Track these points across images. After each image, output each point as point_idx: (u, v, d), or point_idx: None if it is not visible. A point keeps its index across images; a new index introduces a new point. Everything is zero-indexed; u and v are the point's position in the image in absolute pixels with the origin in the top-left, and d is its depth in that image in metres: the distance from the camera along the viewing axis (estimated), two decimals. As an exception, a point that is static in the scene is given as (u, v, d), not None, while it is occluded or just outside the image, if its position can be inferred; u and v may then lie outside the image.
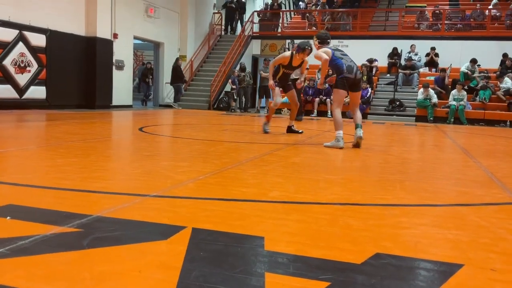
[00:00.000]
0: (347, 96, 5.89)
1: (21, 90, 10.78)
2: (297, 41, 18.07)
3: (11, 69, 10.48)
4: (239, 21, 19.41)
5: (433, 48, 16.05)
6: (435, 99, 13.67)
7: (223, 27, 19.61)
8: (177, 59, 16.12)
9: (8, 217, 2.03)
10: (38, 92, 11.26)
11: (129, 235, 1.88)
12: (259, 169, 3.69)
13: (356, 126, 5.68)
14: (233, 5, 18.97)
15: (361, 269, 1.61)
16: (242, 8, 19.46)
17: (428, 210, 2.62)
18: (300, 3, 21.98)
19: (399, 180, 3.48)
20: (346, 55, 5.78)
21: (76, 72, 12.52)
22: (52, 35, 11.51)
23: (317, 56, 5.66)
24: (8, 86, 10.44)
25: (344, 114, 14.01)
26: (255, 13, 19.59)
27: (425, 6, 19.12)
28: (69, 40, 12.15)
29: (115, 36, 13.66)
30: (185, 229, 1.96)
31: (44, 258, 1.59)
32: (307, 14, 19.89)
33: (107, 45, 13.25)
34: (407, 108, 14.51)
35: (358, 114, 5.83)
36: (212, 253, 1.69)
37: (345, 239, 1.95)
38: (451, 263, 1.70)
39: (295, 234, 2.00)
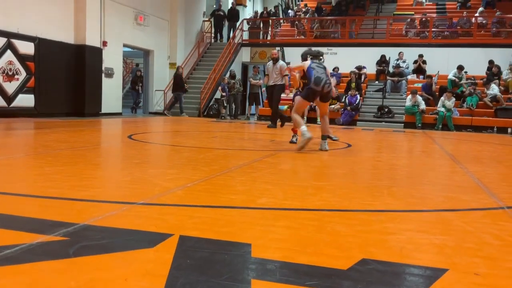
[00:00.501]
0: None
1: (9, 98, 10.70)
2: (286, 49, 18.28)
3: (-1, 77, 10.40)
4: (231, 29, 19.48)
5: (420, 55, 16.24)
6: (423, 105, 13.80)
7: (212, 34, 19.67)
8: (178, 68, 16.11)
9: (-6, 226, 2.02)
10: (26, 100, 11.18)
11: (116, 243, 1.88)
12: (248, 176, 3.70)
13: (322, 138, 5.81)
14: (221, 13, 19.04)
15: (347, 275, 1.62)
16: (235, 16, 19.53)
17: (415, 215, 2.64)
18: (289, 11, 22.15)
19: (387, 186, 3.50)
20: (321, 66, 5.80)
21: (65, 80, 12.46)
22: (40, 43, 11.46)
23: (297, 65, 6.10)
24: (-4, 95, 10.36)
25: (332, 121, 14.15)
26: (245, 21, 19.68)
27: (413, 14, 19.36)
28: (58, 48, 12.10)
29: (105, 44, 13.63)
30: (173, 236, 1.96)
31: (30, 267, 1.58)
32: (296, 22, 20.02)
33: (97, 52, 13.22)
34: (395, 115, 14.63)
35: (325, 125, 5.91)
36: (199, 261, 1.69)
37: (332, 245, 1.96)
38: (436, 268, 1.72)
39: (283, 241, 2.01)
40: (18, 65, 10.88)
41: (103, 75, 13.68)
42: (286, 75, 10.10)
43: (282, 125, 10.78)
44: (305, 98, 5.81)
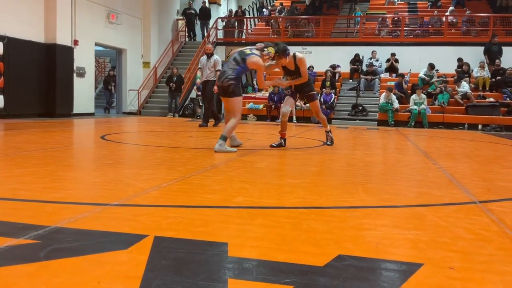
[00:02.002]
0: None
1: (-23, 99, 10.39)
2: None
3: (-34, 77, 10.09)
4: (203, 27, 19.37)
5: (393, 54, 16.47)
6: (396, 104, 14.01)
7: (186, 33, 19.53)
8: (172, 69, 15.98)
9: (-40, 231, 1.95)
10: (-5, 101, 10.88)
11: (88, 245, 1.83)
12: (224, 175, 3.68)
13: (220, 137, 5.31)
14: (192, 11, 18.91)
15: (324, 271, 1.62)
16: (206, 15, 19.43)
17: (389, 211, 2.67)
18: (264, 10, 22.16)
19: (362, 183, 3.53)
20: (233, 59, 5.44)
21: (35, 80, 12.17)
22: (10, 42, 11.16)
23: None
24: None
25: (309, 120, 14.24)
26: (219, 20, 19.60)
27: (385, 13, 19.64)
28: (28, 47, 11.81)
29: (76, 42, 13.37)
30: (147, 237, 1.93)
31: (-2, 271, 1.53)
32: (271, 21, 20.05)
33: (68, 52, 12.95)
34: (369, 113, 14.81)
35: (228, 124, 5.44)
36: (174, 261, 1.66)
37: (308, 242, 1.96)
38: (411, 263, 1.74)
39: (259, 239, 2.00)
40: (-14, 65, 10.58)
41: (74, 74, 13.42)
42: (219, 70, 9.68)
43: (215, 125, 10.37)
44: (217, 94, 5.53)
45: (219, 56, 19.10)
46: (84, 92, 13.92)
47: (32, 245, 1.80)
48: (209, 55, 10.03)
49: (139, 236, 1.94)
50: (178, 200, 2.75)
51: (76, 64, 13.45)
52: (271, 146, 6.04)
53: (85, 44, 13.83)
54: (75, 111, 13.35)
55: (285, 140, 6.12)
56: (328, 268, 1.65)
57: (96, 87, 17.98)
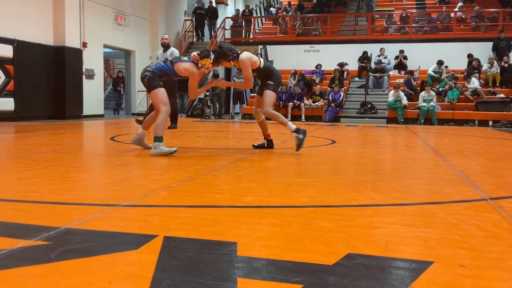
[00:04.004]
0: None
1: (-13, 103, 10.51)
2: (269, 47, 18.28)
3: (-23, 81, 10.21)
4: (211, 27, 19.41)
5: (401, 51, 16.38)
6: (405, 101, 13.92)
7: (194, 33, 19.57)
8: None
9: (-28, 233, 1.97)
10: (6, 104, 10.99)
11: (98, 246, 1.85)
12: (232, 175, 3.68)
13: (154, 139, 4.84)
14: (203, 11, 18.95)
15: (333, 270, 1.62)
16: (213, 14, 19.46)
17: (399, 209, 2.65)
18: (271, 9, 22.15)
19: (371, 181, 3.52)
20: (164, 59, 5.13)
21: (45, 82, 12.28)
22: (19, 45, 11.27)
23: None
24: (-26, 99, 10.17)
25: (319, 118, 14.21)
26: (227, 19, 19.63)
27: (393, 10, 19.53)
28: (37, 50, 11.92)
29: (84, 45, 13.47)
30: (157, 237, 1.93)
31: (10, 273, 1.55)
32: (279, 20, 20.04)
33: (76, 54, 13.05)
34: (378, 111, 14.74)
35: (156, 122, 4.97)
36: (184, 261, 1.67)
37: (317, 241, 1.96)
38: (421, 261, 1.73)
39: (268, 238, 2.00)
40: (-5, 68, 10.70)
41: (83, 76, 13.52)
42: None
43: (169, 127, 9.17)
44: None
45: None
46: (93, 94, 14.02)
47: (43, 246, 1.81)
48: (165, 47, 8.64)
49: (149, 237, 1.95)
50: (187, 200, 2.76)
51: (85, 66, 13.55)
52: (253, 146, 5.64)
53: (93, 46, 13.92)
54: (85, 112, 13.45)
55: (270, 140, 5.59)
56: (337, 267, 1.65)
57: (105, 89, 18.09)
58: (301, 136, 5.18)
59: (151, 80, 4.91)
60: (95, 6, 13.96)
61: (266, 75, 5.33)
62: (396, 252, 1.83)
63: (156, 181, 3.37)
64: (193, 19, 19.31)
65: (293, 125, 5.26)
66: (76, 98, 13.08)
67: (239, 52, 5.18)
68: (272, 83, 5.29)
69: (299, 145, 5.19)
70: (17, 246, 1.79)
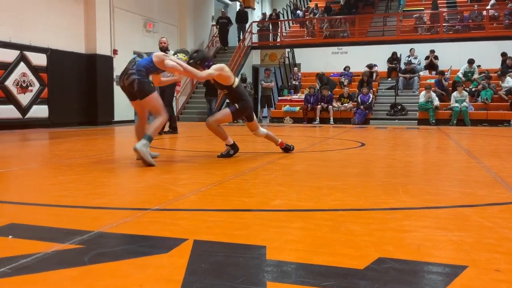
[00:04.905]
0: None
1: (23, 110, 10.84)
2: (296, 50, 18.23)
3: (13, 90, 10.55)
4: (240, 31, 19.52)
5: (432, 51, 16.08)
6: (436, 101, 13.65)
7: (218, 43, 19.68)
8: None
9: (10, 236, 2.03)
10: (40, 111, 11.32)
11: (130, 249, 1.88)
12: (261, 179, 3.68)
13: (144, 136, 4.47)
14: (225, 20, 19.07)
15: (364, 274, 1.59)
16: (243, 18, 19.57)
17: (431, 212, 2.60)
18: (298, 11, 22.11)
19: (402, 184, 3.46)
20: (139, 56, 4.77)
21: (77, 89, 12.59)
22: (52, 54, 11.60)
23: None
24: (11, 107, 10.51)
25: (348, 121, 14.07)
26: (254, 24, 19.70)
27: (423, 10, 19.20)
28: (70, 58, 12.24)
29: (115, 52, 13.74)
30: (187, 241, 1.95)
31: (46, 275, 1.59)
32: (306, 23, 19.98)
33: (107, 61, 13.33)
34: (409, 112, 14.49)
35: (154, 122, 4.61)
36: (213, 265, 1.68)
37: (347, 244, 1.94)
38: (455, 265, 1.69)
39: (298, 242, 1.99)
40: (31, 76, 11.03)
41: (114, 83, 13.80)
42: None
43: (167, 132, 9.17)
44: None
45: (254, 60, 19.35)
46: (124, 100, 14.17)
47: (77, 249, 1.86)
48: (164, 51, 8.00)
49: (179, 240, 1.97)
50: (216, 204, 2.77)
51: (116, 72, 13.81)
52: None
53: (124, 53, 14.18)
54: (116, 118, 13.71)
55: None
56: (368, 271, 1.63)
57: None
58: (231, 152, 5.09)
59: (142, 84, 4.45)
60: (125, 14, 14.24)
61: (236, 97, 5.10)
62: (428, 256, 1.79)
63: (185, 185, 3.40)
64: (217, 28, 19.42)
65: (231, 140, 5.14)
66: (107, 104, 13.36)
67: (215, 63, 5.02)
68: (238, 107, 5.07)
69: (223, 155, 5.07)
70: (52, 250, 1.84)
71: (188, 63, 4.72)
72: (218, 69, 4.88)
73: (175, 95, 8.89)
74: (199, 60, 4.85)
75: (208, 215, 2.49)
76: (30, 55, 10.96)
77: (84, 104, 12.79)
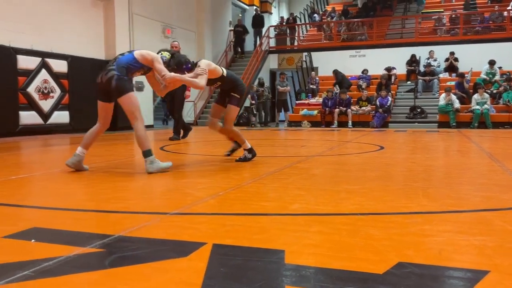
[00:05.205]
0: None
1: (45, 116, 11.04)
2: (314, 53, 18.19)
3: (35, 96, 10.76)
4: (257, 35, 19.59)
5: (452, 53, 15.88)
6: (457, 104, 13.45)
7: (233, 51, 19.75)
8: None
9: (33, 240, 2.07)
10: (61, 117, 11.52)
11: (150, 253, 1.90)
12: (279, 183, 3.68)
13: (143, 155, 4.26)
14: (240, 29, 19.15)
15: (384, 279, 1.58)
16: (259, 23, 19.64)
17: (452, 216, 2.56)
18: (315, 15, 22.08)
19: (422, 188, 3.42)
20: (121, 55, 4.51)
21: (95, 95, 12.74)
22: (73, 61, 11.79)
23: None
24: (33, 113, 10.71)
25: (366, 124, 13.96)
26: (271, 28, 19.74)
27: (442, 11, 18.98)
28: (90, 64, 12.42)
29: (134, 58, 13.90)
30: (206, 245, 1.96)
31: (68, 279, 1.62)
32: (324, 26, 19.93)
33: (127, 67, 13.50)
34: (428, 115, 14.31)
35: (136, 135, 4.30)
36: (232, 269, 1.69)
37: (367, 249, 1.92)
38: (476, 270, 1.66)
39: (316, 246, 1.98)
40: (52, 83, 11.24)
41: (134, 89, 13.97)
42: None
43: (184, 136, 9.25)
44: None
45: (271, 64, 19.36)
46: (143, 105, 14.29)
47: (98, 253, 1.88)
48: None
49: (198, 244, 1.98)
50: (235, 208, 2.78)
51: (135, 78, 13.99)
52: (225, 154, 5.18)
53: (143, 59, 14.36)
54: (135, 123, 13.86)
55: (249, 149, 5.07)
56: (388, 275, 1.61)
57: (154, 100, 18.60)
58: (249, 156, 5.08)
59: (121, 81, 4.15)
60: (144, 21, 14.42)
61: (230, 86, 4.97)
62: (449, 261, 1.77)
63: (204, 189, 3.42)
64: (233, 36, 19.50)
65: (249, 144, 5.11)
66: (127, 109, 13.51)
67: (194, 62, 4.80)
68: (237, 95, 4.98)
69: (242, 159, 5.07)
70: (73, 253, 1.87)
71: (169, 67, 4.51)
72: (207, 67, 4.65)
73: (186, 99, 8.80)
74: (175, 65, 4.57)
75: (226, 219, 2.50)
76: (52, 62, 11.17)
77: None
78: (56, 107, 11.36)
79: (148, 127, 14.65)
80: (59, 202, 3.06)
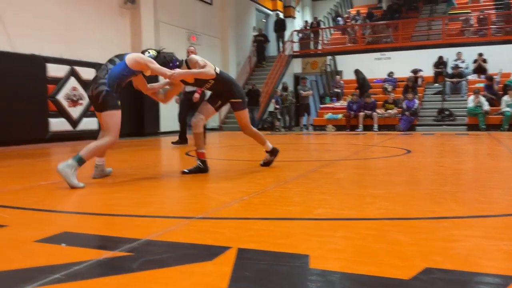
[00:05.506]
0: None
1: (74, 122, 11.30)
2: (338, 57, 18.11)
3: (65, 103, 11.02)
4: (279, 40, 19.64)
5: (480, 54, 15.56)
6: (486, 106, 13.17)
7: (256, 59, 19.82)
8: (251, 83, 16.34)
9: (63, 244, 2.13)
10: (90, 123, 11.75)
11: (176, 257, 1.92)
12: (304, 187, 3.68)
13: (75, 156, 3.99)
14: (261, 38, 19.21)
15: (410, 285, 1.57)
16: (282, 27, 19.69)
17: (481, 221, 2.52)
18: (339, 18, 21.99)
19: (450, 192, 3.36)
20: (109, 61, 4.35)
21: (123, 101, 12.73)
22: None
23: None
24: (63, 120, 10.98)
25: (392, 128, 13.79)
26: (295, 32, 19.74)
27: (470, 12, 18.64)
28: (117, 71, 12.67)
29: (160, 65, 14.11)
30: (230, 249, 1.98)
31: (97, 282, 1.66)
32: (348, 29, 19.83)
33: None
34: (457, 117, 14.05)
35: (93, 143, 4.18)
36: (257, 273, 1.70)
37: (392, 254, 1.91)
38: (505, 275, 1.63)
39: (341, 251, 1.98)
40: (81, 90, 11.49)
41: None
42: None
43: (176, 142, 9.20)
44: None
45: (295, 69, 19.34)
46: (169, 112, 14.59)
47: (126, 257, 1.92)
48: None
49: (223, 248, 2.00)
50: (259, 212, 2.79)
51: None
52: (183, 172, 4.60)
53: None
54: (162, 129, 14.05)
55: (203, 161, 4.68)
56: (414, 281, 1.60)
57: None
58: (271, 158, 5.02)
59: (108, 97, 4.14)
60: (169, 28, 14.62)
61: (223, 88, 4.63)
62: (478, 267, 1.74)
63: (228, 194, 3.45)
64: (254, 46, 19.56)
65: (270, 145, 5.01)
66: (153, 116, 13.71)
67: (183, 60, 4.64)
68: (239, 100, 4.69)
69: (266, 163, 5.02)
70: (102, 257, 1.91)
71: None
72: (202, 60, 4.45)
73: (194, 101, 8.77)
74: (162, 63, 4.35)
75: (251, 223, 2.51)
76: (80, 70, 11.43)
77: (131, 116, 13.17)
78: (85, 113, 11.61)
79: (175, 132, 14.83)
80: (88, 207, 3.14)
